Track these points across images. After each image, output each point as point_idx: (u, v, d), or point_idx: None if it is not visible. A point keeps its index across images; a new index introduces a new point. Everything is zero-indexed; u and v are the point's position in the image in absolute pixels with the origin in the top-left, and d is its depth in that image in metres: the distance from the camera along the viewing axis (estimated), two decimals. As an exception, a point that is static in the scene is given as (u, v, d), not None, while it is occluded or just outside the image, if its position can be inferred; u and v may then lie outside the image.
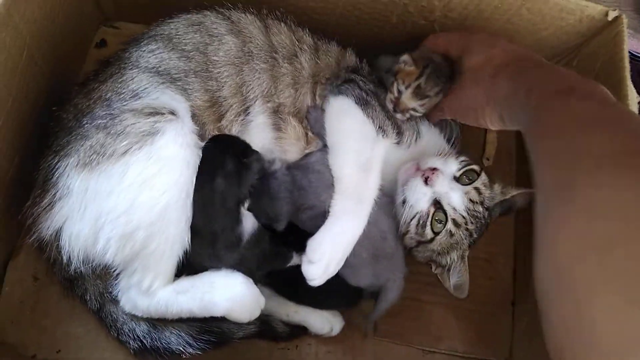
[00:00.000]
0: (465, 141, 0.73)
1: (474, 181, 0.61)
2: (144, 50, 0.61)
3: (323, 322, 0.69)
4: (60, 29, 0.65)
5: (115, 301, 0.62)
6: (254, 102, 0.63)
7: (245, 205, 0.61)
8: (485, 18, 0.69)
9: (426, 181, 0.60)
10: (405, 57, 0.62)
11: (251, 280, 0.60)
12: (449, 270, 0.64)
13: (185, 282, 0.60)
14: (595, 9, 0.66)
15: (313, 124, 0.64)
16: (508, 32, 0.71)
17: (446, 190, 0.60)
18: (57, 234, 0.57)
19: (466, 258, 0.63)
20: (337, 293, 0.65)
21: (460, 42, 0.63)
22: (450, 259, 0.63)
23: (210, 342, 0.62)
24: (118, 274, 0.60)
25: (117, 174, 0.55)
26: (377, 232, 0.63)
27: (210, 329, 0.62)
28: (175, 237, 0.57)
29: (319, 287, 0.59)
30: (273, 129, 0.64)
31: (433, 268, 0.67)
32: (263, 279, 0.67)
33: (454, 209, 0.60)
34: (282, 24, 0.67)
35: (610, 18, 0.66)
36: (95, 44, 0.75)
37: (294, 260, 0.64)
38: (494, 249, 0.80)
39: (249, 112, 0.63)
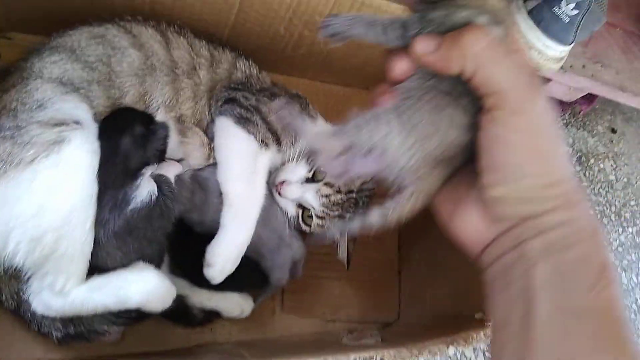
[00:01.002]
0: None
1: (324, 177, 0.71)
2: (47, 62, 0.63)
3: (234, 305, 0.77)
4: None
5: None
6: (157, 110, 0.67)
7: (149, 171, 0.64)
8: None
9: (280, 193, 0.70)
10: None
11: (162, 274, 0.64)
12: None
13: (99, 279, 0.62)
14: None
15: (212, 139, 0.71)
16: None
17: (299, 195, 0.70)
18: None
19: (345, 235, 0.71)
20: (245, 277, 0.73)
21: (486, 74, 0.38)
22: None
23: (130, 318, 0.65)
24: (29, 278, 0.61)
25: (25, 181, 0.56)
26: (276, 225, 0.72)
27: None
28: (82, 238, 0.59)
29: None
30: (177, 133, 0.69)
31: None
32: (178, 271, 0.73)
33: (312, 206, 0.70)
34: (181, 38, 0.71)
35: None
36: (-12, 56, 0.74)
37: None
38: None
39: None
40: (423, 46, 0.39)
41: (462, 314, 0.72)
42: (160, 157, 0.66)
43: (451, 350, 0.64)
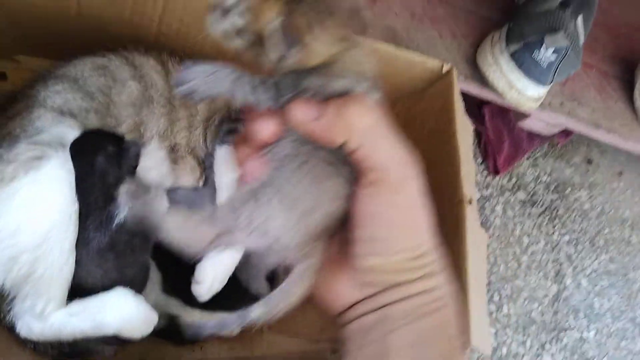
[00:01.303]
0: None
1: None
2: (51, 91, 0.66)
3: None
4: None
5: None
6: (152, 140, 0.70)
7: (126, 190, 0.63)
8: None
9: None
10: None
11: (143, 299, 0.64)
12: None
13: (78, 304, 0.61)
14: (434, 63, 0.85)
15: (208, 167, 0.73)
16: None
17: None
18: None
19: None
20: (234, 297, 0.75)
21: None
22: None
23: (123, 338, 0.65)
24: (12, 299, 0.60)
25: (5, 199, 0.57)
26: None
27: None
28: (61, 260, 0.59)
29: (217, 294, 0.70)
30: (170, 161, 0.72)
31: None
32: (170, 290, 0.76)
33: None
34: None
35: (444, 70, 0.85)
36: (-5, 77, 0.77)
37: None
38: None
39: (145, 148, 0.69)
40: (303, 114, 0.36)
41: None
42: (134, 173, 0.67)
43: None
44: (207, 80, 0.38)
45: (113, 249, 0.63)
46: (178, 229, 0.41)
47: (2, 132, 0.63)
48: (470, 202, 0.76)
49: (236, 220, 0.37)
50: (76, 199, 0.61)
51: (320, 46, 0.34)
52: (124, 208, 0.63)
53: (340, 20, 0.35)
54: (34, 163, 0.58)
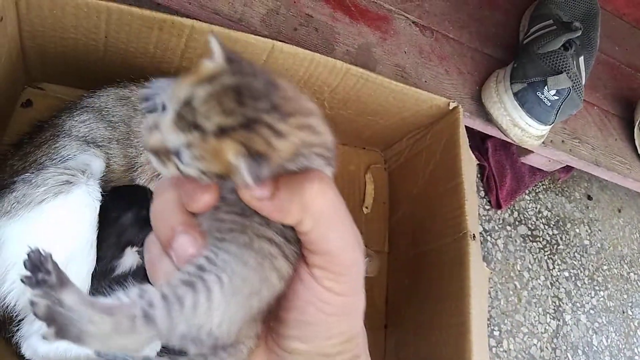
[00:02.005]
0: (345, 192, 0.91)
1: None
2: (77, 120, 0.69)
3: None
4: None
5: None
6: None
7: (134, 250, 0.66)
8: (362, 102, 0.88)
9: None
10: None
11: None
12: None
13: None
14: (441, 100, 0.88)
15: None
16: (379, 111, 0.91)
17: None
18: None
19: None
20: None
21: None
22: None
23: None
24: (20, 320, 0.61)
25: (32, 221, 0.58)
26: None
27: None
28: (78, 284, 0.61)
29: None
30: None
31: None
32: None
33: None
34: None
35: (450, 107, 0.89)
36: (21, 104, 0.80)
37: None
38: (371, 280, 0.99)
39: (160, 176, 0.72)
40: (254, 192, 0.32)
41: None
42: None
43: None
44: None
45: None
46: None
47: (30, 159, 0.65)
48: (473, 237, 0.78)
49: (172, 331, 0.31)
50: (97, 228, 0.63)
51: (285, 148, 0.30)
52: (128, 262, 0.66)
53: (292, 114, 0.31)
54: (64, 187, 0.60)
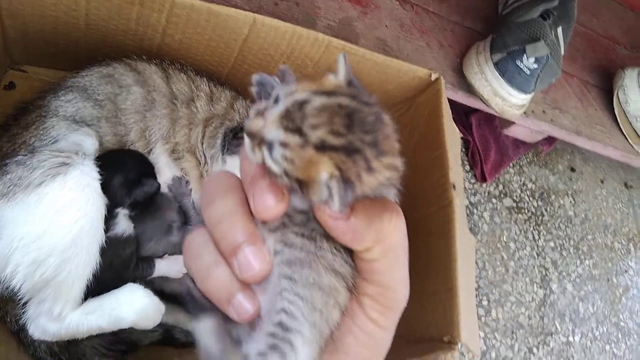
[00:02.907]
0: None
1: None
2: (62, 100, 0.69)
3: None
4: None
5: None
6: (155, 145, 0.73)
7: (125, 213, 0.68)
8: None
9: None
10: None
11: (151, 292, 0.67)
12: None
13: (93, 303, 0.64)
14: (423, 72, 0.89)
15: None
16: (363, 85, 0.91)
17: None
18: None
19: None
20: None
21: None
22: None
23: (121, 350, 0.69)
24: (25, 303, 0.62)
25: (33, 203, 0.59)
26: None
27: (121, 340, 0.69)
28: (86, 262, 0.61)
29: None
30: (173, 165, 0.76)
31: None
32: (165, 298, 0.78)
33: None
34: (182, 74, 0.78)
35: (432, 78, 0.90)
36: (4, 87, 0.80)
37: (159, 272, 0.73)
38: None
39: (151, 154, 0.74)
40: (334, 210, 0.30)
41: (432, 338, 0.79)
42: (136, 206, 0.70)
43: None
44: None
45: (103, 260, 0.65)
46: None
47: (18, 141, 0.66)
48: (454, 187, 0.79)
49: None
50: (104, 202, 0.63)
51: (370, 183, 0.31)
52: (120, 228, 0.67)
53: (386, 153, 0.32)
54: (61, 169, 0.60)
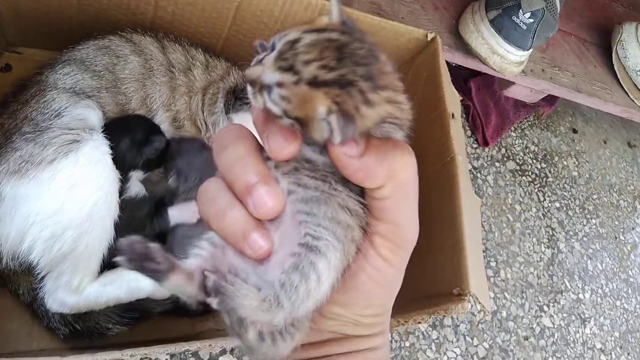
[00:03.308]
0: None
1: None
2: (60, 73, 0.69)
3: None
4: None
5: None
6: (157, 112, 0.74)
7: (137, 175, 0.69)
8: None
9: None
10: None
11: None
12: None
13: (111, 274, 0.66)
14: (419, 32, 0.89)
15: None
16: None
17: None
18: None
19: None
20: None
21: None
22: None
23: (134, 318, 0.70)
24: (43, 277, 0.63)
25: (46, 179, 0.60)
26: None
27: (133, 307, 0.70)
28: (102, 235, 0.63)
29: None
30: (175, 134, 0.76)
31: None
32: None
33: None
34: (177, 45, 0.79)
35: (429, 39, 0.90)
36: (0, 69, 0.80)
37: (174, 220, 0.73)
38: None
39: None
40: (347, 145, 0.32)
41: (441, 293, 0.79)
42: (149, 164, 0.72)
43: (431, 320, 0.70)
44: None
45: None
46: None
47: (19, 116, 0.66)
48: (453, 116, 0.79)
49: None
50: (117, 176, 0.65)
51: (371, 116, 0.31)
52: (134, 190, 0.69)
53: (384, 87, 0.32)
54: (72, 146, 0.62)
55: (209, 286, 0.33)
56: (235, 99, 0.77)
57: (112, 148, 0.66)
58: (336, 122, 0.30)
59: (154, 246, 0.35)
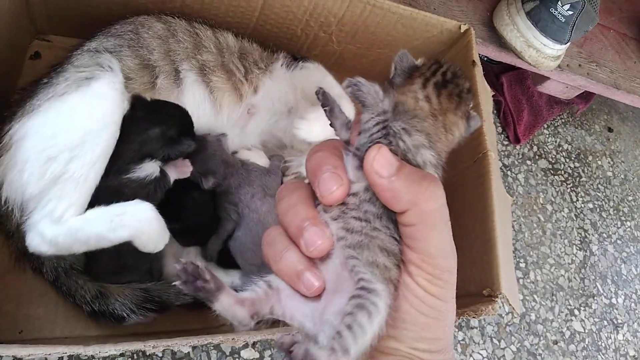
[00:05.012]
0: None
1: None
2: (86, 45, 0.70)
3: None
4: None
5: (67, 274, 0.67)
6: (182, 63, 0.73)
7: (153, 162, 0.68)
8: (371, 32, 0.86)
9: None
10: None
11: (159, 214, 0.64)
12: None
13: (98, 209, 0.62)
14: (452, 24, 0.86)
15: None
16: (389, 42, 0.89)
17: None
18: (1, 187, 0.63)
19: None
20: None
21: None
22: None
23: (151, 309, 0.69)
24: (31, 212, 0.61)
25: (52, 109, 0.62)
26: None
27: (152, 298, 0.69)
28: (93, 163, 0.62)
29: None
30: (204, 86, 0.75)
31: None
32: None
33: None
34: (205, 26, 0.78)
35: (462, 30, 0.87)
36: (30, 56, 0.80)
37: (173, 176, 0.72)
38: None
39: (179, 73, 0.73)
40: (382, 165, 0.36)
41: (470, 293, 0.77)
42: (168, 159, 0.70)
43: (460, 320, 0.68)
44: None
45: (119, 195, 0.65)
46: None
47: (45, 77, 0.67)
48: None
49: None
50: (120, 114, 0.64)
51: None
52: (145, 171, 0.67)
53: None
54: (84, 82, 0.63)
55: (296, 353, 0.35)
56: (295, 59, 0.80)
57: (138, 129, 0.66)
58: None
59: (202, 266, 0.38)
